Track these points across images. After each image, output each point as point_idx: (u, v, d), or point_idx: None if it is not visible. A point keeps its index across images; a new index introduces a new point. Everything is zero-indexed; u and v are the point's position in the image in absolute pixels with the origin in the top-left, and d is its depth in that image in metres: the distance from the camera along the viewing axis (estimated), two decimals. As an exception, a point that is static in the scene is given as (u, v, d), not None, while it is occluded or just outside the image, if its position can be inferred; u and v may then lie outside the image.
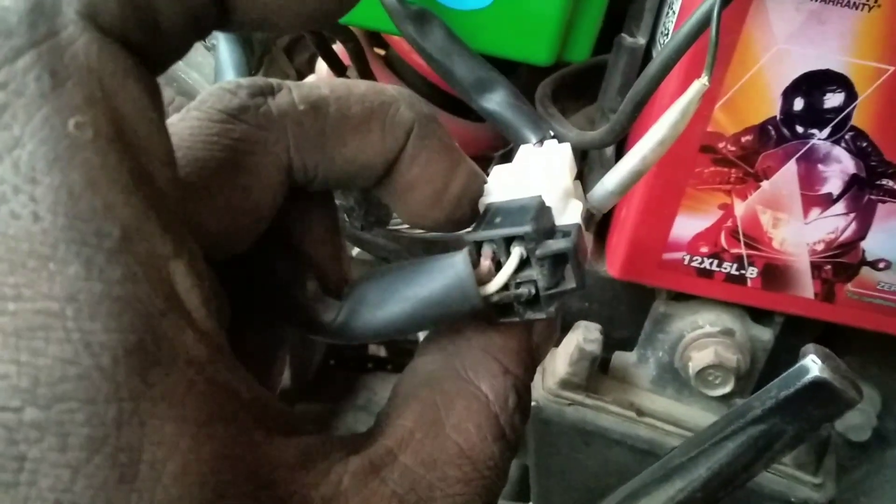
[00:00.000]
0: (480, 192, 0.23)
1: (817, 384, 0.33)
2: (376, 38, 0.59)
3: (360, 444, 0.19)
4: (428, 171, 0.21)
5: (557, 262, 0.20)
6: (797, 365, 0.34)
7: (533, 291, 0.20)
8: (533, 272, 0.20)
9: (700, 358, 0.45)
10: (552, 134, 0.25)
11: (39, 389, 0.14)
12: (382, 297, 0.20)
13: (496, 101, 0.24)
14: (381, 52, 0.62)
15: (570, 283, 0.20)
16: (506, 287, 0.20)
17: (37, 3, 0.14)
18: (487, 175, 0.24)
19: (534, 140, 0.25)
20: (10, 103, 0.14)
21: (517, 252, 0.20)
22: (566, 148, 0.24)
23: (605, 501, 0.40)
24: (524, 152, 0.25)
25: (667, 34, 0.41)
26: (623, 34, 0.44)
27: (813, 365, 0.34)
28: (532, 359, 0.22)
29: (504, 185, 0.23)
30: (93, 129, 0.14)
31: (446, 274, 0.19)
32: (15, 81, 0.14)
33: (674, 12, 0.40)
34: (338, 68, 0.48)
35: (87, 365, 0.14)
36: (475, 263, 0.20)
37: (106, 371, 0.14)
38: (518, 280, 0.20)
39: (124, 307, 0.14)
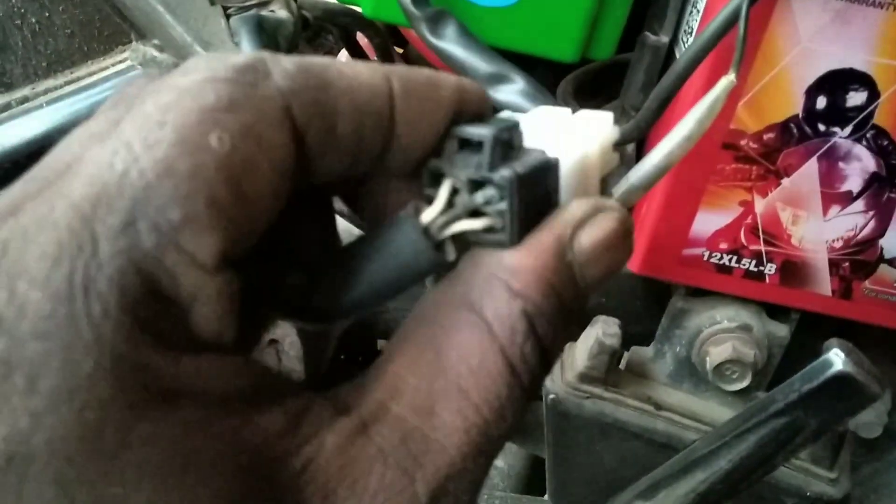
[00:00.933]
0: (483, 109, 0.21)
1: (841, 378, 0.34)
2: (395, 35, 0.59)
3: (353, 401, 0.18)
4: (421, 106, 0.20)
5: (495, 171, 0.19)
6: (821, 358, 0.35)
7: (491, 222, 0.19)
8: (478, 197, 0.19)
9: (718, 353, 0.45)
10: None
11: (23, 322, 0.14)
12: (347, 278, 0.20)
13: (514, 91, 0.24)
14: (400, 50, 0.63)
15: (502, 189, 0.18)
16: (449, 223, 0.19)
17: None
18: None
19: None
20: None
21: (446, 185, 0.19)
22: (606, 115, 0.22)
23: (627, 491, 0.40)
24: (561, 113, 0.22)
25: (690, 32, 0.42)
26: (646, 32, 0.44)
27: (836, 359, 0.34)
28: (560, 279, 0.19)
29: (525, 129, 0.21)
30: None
31: (394, 236, 0.19)
32: None
33: (698, 11, 0.41)
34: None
35: (76, 310, 0.14)
36: (419, 210, 0.19)
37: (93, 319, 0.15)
38: (472, 209, 0.19)
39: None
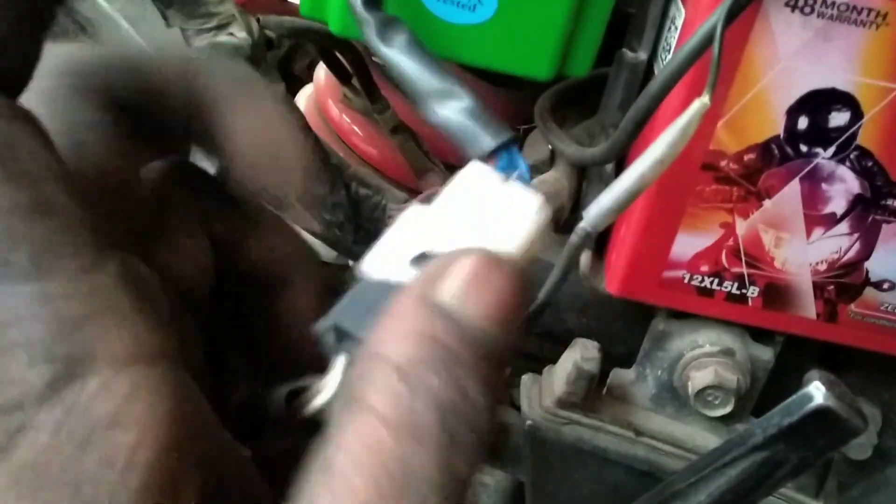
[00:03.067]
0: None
1: (821, 412, 0.33)
2: (355, 52, 0.58)
3: None
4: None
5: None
6: (800, 392, 0.34)
7: None
8: None
9: (700, 377, 0.44)
10: (520, 165, 0.21)
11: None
12: None
13: (459, 109, 0.22)
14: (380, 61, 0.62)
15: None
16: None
17: None
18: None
19: (491, 144, 0.21)
20: None
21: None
22: (533, 202, 0.20)
23: (603, 526, 0.39)
24: (473, 179, 0.20)
25: (669, 49, 0.40)
26: (624, 49, 0.43)
27: (817, 392, 0.33)
28: (428, 324, 0.16)
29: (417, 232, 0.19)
30: None
31: None
32: None
33: (676, 28, 0.39)
34: (342, 76, 0.48)
35: None
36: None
37: None
38: None
39: None
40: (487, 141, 0.21)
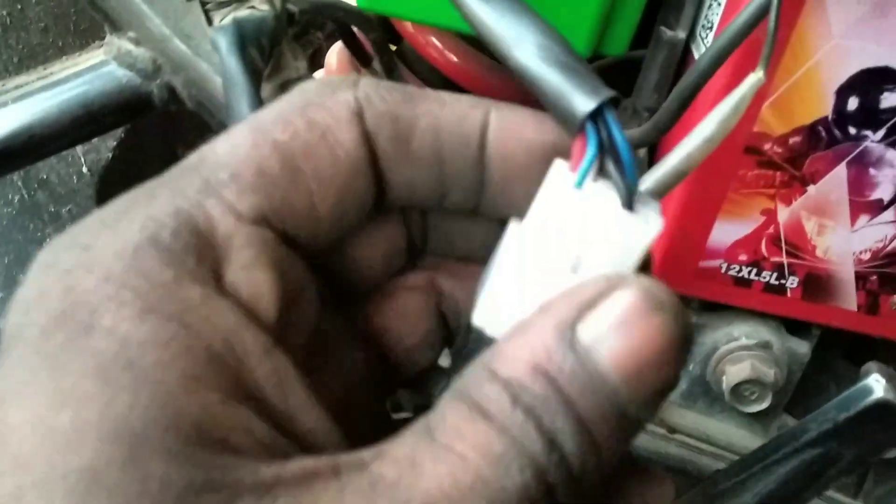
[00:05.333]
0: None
1: (881, 406, 0.31)
2: (388, 31, 0.56)
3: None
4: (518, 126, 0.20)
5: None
6: (858, 385, 0.32)
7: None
8: None
9: (735, 372, 0.42)
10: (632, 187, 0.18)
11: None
12: None
13: (541, 54, 0.19)
14: (394, 46, 0.60)
15: None
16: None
17: None
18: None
19: (586, 108, 0.18)
20: None
21: None
22: (652, 225, 0.18)
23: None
24: (560, 185, 0.18)
25: (710, 27, 0.39)
26: (661, 27, 0.41)
27: (877, 385, 0.31)
28: (556, 365, 0.16)
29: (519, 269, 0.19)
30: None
31: None
32: None
33: (719, 4, 0.38)
34: (362, 59, 0.46)
35: None
36: None
37: None
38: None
39: None
40: (582, 102, 0.18)
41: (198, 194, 0.17)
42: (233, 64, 0.33)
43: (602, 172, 0.18)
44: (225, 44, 0.33)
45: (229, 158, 0.18)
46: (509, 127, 0.20)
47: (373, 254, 0.23)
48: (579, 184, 0.18)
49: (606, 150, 0.18)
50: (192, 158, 0.19)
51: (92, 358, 0.14)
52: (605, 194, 0.18)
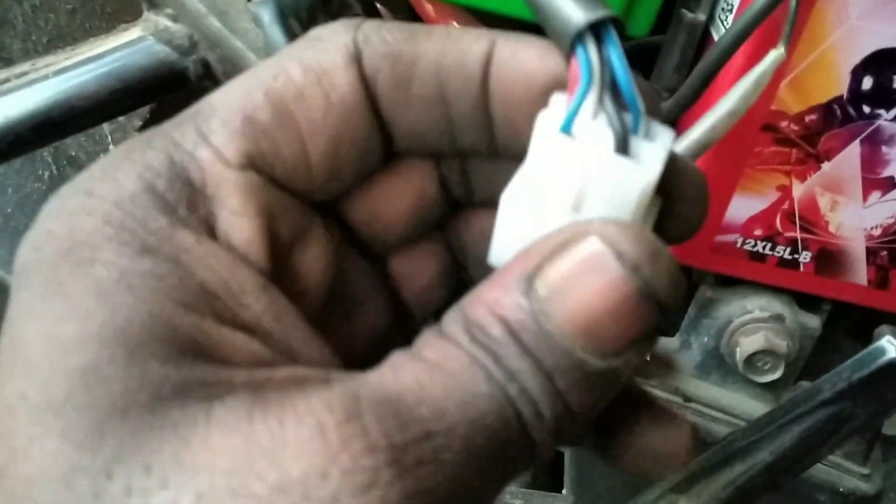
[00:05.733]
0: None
1: (894, 366, 0.32)
2: (404, 10, 0.57)
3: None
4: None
5: None
6: (872, 346, 0.34)
7: None
8: None
9: (750, 343, 0.44)
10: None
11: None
12: None
13: None
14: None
15: None
16: None
17: None
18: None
19: (578, 25, 0.16)
20: None
21: None
22: (658, 152, 0.17)
23: (660, 485, 0.39)
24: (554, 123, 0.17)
25: (730, 10, 0.40)
26: (682, 9, 0.43)
27: (890, 346, 0.33)
28: (516, 316, 0.16)
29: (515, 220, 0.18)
30: None
31: None
32: None
33: (739, -14, 0.39)
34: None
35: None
36: None
37: None
38: None
39: None
40: (576, 16, 0.16)
41: (191, 144, 0.18)
42: (276, 34, 0.34)
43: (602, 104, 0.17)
44: (268, 16, 0.35)
45: (220, 106, 0.19)
46: (511, 59, 0.19)
47: (396, 203, 0.22)
48: (565, 128, 0.17)
49: (604, 80, 0.17)
50: (192, 108, 0.19)
51: (95, 284, 0.16)
52: (598, 135, 0.17)
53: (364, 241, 0.23)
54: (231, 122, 0.18)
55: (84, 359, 0.15)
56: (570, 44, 0.17)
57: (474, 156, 0.22)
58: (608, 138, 0.17)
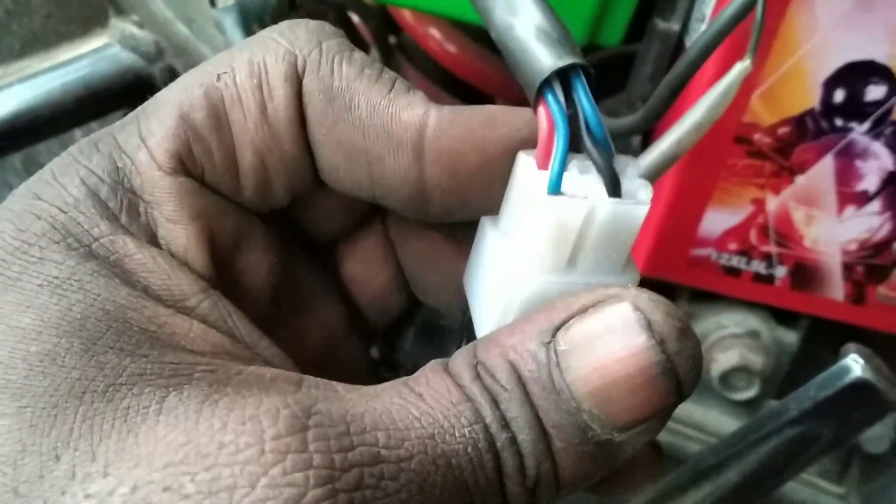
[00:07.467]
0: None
1: (859, 385, 0.32)
2: (387, 23, 0.57)
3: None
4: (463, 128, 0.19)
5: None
6: (837, 364, 0.33)
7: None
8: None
9: (724, 359, 0.43)
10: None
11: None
12: None
13: (519, 23, 0.17)
14: (393, 38, 0.60)
15: None
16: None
17: None
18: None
19: (548, 67, 0.16)
20: None
21: None
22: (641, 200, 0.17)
23: (628, 505, 0.38)
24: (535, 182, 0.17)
25: (702, 20, 0.40)
26: (656, 19, 0.42)
27: (855, 365, 0.32)
28: (527, 366, 0.16)
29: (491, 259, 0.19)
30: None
31: None
32: None
33: (711, -3, 0.39)
34: (360, 46, 0.47)
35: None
36: None
37: None
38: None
39: None
40: (546, 61, 0.16)
41: (132, 147, 0.18)
42: (238, 41, 0.34)
43: (575, 149, 0.17)
44: (230, 23, 0.34)
45: (163, 103, 0.19)
46: (454, 127, 0.19)
47: (333, 205, 0.23)
48: (553, 190, 0.17)
49: (580, 129, 0.17)
50: (142, 105, 0.19)
51: (48, 280, 0.16)
52: (589, 186, 0.17)
53: (308, 234, 0.23)
54: (166, 120, 0.19)
55: (43, 347, 0.15)
56: (537, 89, 0.17)
57: (398, 215, 0.22)
58: (599, 186, 0.17)
